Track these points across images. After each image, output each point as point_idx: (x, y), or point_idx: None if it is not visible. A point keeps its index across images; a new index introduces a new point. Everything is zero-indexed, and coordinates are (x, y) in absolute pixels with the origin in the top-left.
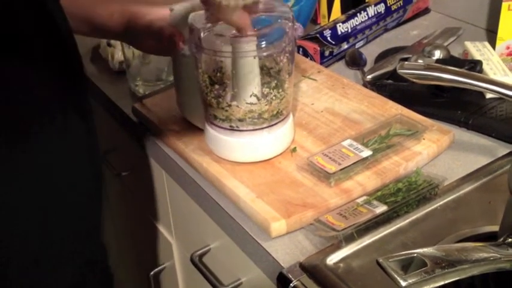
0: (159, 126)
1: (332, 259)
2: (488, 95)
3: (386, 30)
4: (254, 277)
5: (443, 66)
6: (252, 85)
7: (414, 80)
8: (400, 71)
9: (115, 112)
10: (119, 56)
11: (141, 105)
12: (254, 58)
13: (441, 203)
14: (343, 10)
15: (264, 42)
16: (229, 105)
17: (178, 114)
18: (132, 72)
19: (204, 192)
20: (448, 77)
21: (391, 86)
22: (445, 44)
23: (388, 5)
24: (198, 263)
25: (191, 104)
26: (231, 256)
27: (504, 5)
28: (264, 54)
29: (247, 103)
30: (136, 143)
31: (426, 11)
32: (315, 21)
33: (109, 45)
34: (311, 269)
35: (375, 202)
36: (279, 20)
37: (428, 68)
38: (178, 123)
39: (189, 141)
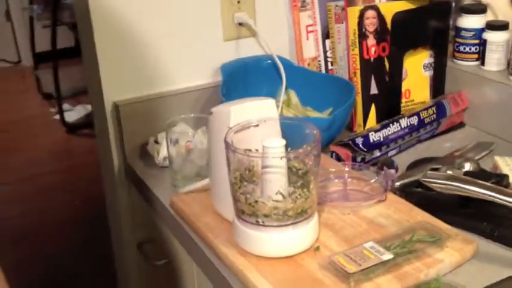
0: (192, 219)
1: None
2: None
3: (419, 141)
4: None
5: (466, 177)
6: (279, 184)
7: (437, 189)
8: (423, 180)
9: (155, 203)
10: (164, 152)
11: (178, 198)
12: (281, 159)
13: None
14: (378, 120)
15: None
16: (256, 201)
17: (212, 208)
18: (174, 168)
19: (229, 285)
20: (470, 188)
21: (419, 194)
22: (477, 157)
23: (422, 117)
24: None
25: (222, 198)
26: None
27: None
28: (292, 156)
29: (273, 200)
30: (172, 233)
31: (461, 125)
32: (351, 129)
33: (156, 142)
34: None
35: None
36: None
37: (450, 178)
38: (211, 217)
39: (219, 234)
